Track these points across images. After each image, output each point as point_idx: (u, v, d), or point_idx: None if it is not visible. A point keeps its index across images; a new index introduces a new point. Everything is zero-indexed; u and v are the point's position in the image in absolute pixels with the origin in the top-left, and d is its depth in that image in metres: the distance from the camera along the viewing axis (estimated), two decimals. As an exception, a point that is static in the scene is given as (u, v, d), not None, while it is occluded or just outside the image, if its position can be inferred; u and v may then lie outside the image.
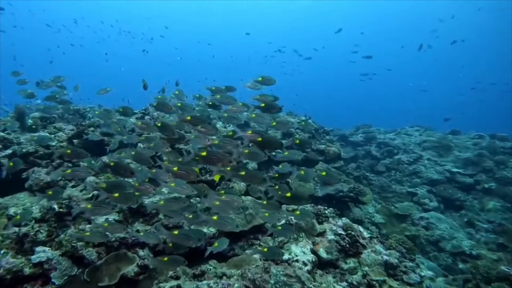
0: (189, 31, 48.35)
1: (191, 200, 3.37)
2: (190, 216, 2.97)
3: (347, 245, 3.88)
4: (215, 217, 2.82)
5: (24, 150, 4.81)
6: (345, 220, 4.40)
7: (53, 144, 5.02)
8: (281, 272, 3.10)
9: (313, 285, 3.20)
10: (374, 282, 3.57)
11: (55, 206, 3.52)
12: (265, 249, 3.22)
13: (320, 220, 4.30)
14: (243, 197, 4.39)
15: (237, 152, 2.86)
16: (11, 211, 3.81)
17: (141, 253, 3.50)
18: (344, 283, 3.54)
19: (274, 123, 3.41)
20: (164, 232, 2.96)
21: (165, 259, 2.83)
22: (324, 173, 3.47)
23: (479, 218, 8.00)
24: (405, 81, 48.25)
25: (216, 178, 4.50)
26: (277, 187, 3.15)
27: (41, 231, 3.40)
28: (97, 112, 4.82)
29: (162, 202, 2.85)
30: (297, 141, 6.56)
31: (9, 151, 4.80)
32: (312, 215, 4.14)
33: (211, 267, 3.46)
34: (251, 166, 6.06)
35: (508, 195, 8.44)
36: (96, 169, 3.59)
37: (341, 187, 6.44)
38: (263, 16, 47.44)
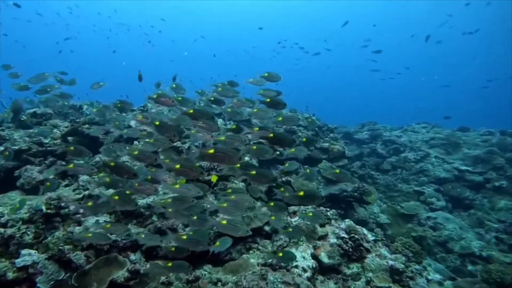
0: (193, 28, 48.14)
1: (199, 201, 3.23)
2: (196, 218, 2.82)
3: (350, 249, 3.66)
4: (224, 221, 2.68)
5: (16, 147, 4.66)
6: (348, 222, 4.18)
7: (47, 141, 4.86)
8: (278, 280, 2.91)
9: (313, 293, 3.01)
10: (378, 289, 3.36)
11: (43, 207, 3.36)
12: (280, 254, 3.03)
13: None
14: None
15: (245, 149, 2.69)
16: (-1, 210, 3.67)
17: (132, 257, 3.34)
18: (347, 290, 3.34)
19: (280, 118, 3.30)
20: (171, 237, 2.78)
21: (169, 264, 2.66)
22: (337, 171, 3.35)
23: (489, 217, 7.73)
24: (415, 76, 47.26)
25: (214, 179, 4.31)
26: (282, 188, 3.01)
27: (28, 232, 3.25)
28: (94, 110, 4.66)
29: (169, 201, 2.72)
30: (304, 139, 6.42)
31: (1, 148, 4.66)
32: (324, 217, 3.95)
33: (206, 272, 3.29)
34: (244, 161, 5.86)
35: (520, 194, 8.13)
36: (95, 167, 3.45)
37: (345, 187, 6.22)
38: (263, 15, 46.89)
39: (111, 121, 4.44)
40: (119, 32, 33.27)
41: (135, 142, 4.98)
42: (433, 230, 6.99)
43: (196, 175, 2.67)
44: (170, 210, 2.95)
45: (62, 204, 3.52)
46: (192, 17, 46.72)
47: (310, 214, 3.38)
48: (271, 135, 2.74)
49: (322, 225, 4.02)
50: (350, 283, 3.40)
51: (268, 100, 3.32)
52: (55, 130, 5.22)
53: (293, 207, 4.23)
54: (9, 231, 3.22)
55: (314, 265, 3.28)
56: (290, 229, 3.27)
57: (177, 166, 2.59)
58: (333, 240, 3.77)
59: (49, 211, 3.38)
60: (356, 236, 3.80)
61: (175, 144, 4.97)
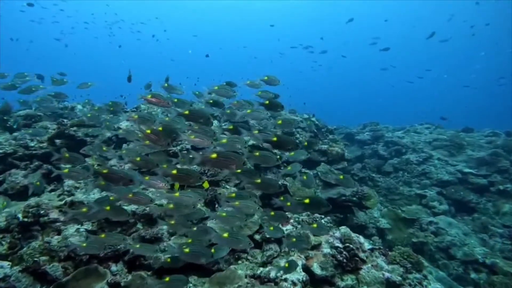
0: (192, 28, 48.02)
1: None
2: (195, 229, 2.74)
3: (345, 260, 3.46)
4: (226, 234, 2.53)
5: (1, 151, 4.52)
6: (344, 230, 3.98)
7: (32, 145, 4.71)
8: (265, 295, 2.72)
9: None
10: (373, 304, 3.17)
11: (19, 215, 3.21)
12: (294, 239, 2.95)
13: (315, 230, 3.90)
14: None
15: (247, 155, 2.57)
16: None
17: (113, 268, 3.17)
18: (340, 304, 3.15)
19: (279, 121, 3.20)
20: (174, 251, 2.65)
21: (167, 279, 2.51)
22: (341, 177, 3.24)
23: (493, 222, 7.48)
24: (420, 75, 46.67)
25: (205, 185, 4.13)
26: (282, 198, 2.92)
27: (2, 242, 3.09)
28: (89, 115, 4.55)
29: (171, 206, 2.64)
30: (305, 143, 6.32)
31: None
32: (328, 228, 3.77)
33: (191, 285, 3.11)
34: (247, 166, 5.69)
35: (526, 197, 7.87)
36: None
37: (343, 191, 6.01)
38: (261, 13, 46.57)
39: (103, 123, 4.36)
40: (120, 30, 33.23)
41: (124, 145, 4.81)
42: (435, 236, 6.77)
43: (194, 181, 2.53)
44: (172, 222, 2.87)
45: (42, 212, 3.36)
46: (192, 16, 46.68)
47: (315, 225, 3.28)
48: (275, 138, 2.61)
49: (315, 234, 3.82)
50: (344, 297, 3.21)
51: (267, 102, 3.25)
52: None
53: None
54: (-17, 240, 3.07)
55: (304, 279, 3.08)
56: (294, 239, 3.12)
57: (174, 171, 2.46)
58: (326, 250, 3.57)
59: (26, 219, 3.22)
60: (351, 246, 3.59)
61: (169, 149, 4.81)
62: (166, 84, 4.31)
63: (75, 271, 3.04)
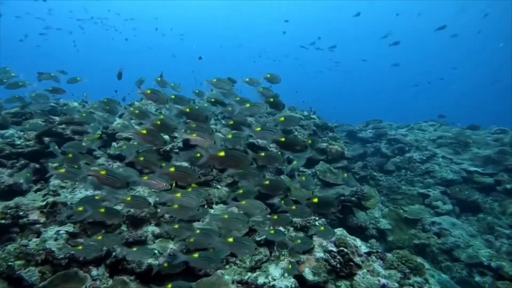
0: (193, 28, 47.82)
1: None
2: (198, 232, 2.64)
3: (338, 265, 3.27)
4: (231, 239, 2.40)
5: (-13, 150, 4.40)
6: (339, 232, 3.80)
7: (19, 143, 4.59)
8: (250, 303, 2.55)
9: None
10: (368, 312, 2.98)
11: (-4, 217, 3.07)
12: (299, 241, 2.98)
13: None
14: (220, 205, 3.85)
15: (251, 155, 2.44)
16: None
17: (94, 272, 3.02)
18: (332, 313, 2.97)
19: (282, 119, 3.12)
20: (182, 257, 2.53)
21: (169, 286, 2.38)
22: (346, 175, 3.33)
23: (499, 222, 7.22)
24: (430, 72, 45.76)
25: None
26: (283, 201, 2.86)
27: (-23, 246, 2.96)
28: (84, 115, 4.43)
29: (176, 206, 2.63)
30: (309, 142, 6.16)
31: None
32: (334, 232, 3.60)
33: (175, 290, 2.95)
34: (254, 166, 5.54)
35: (534, 197, 7.58)
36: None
37: (342, 190, 5.81)
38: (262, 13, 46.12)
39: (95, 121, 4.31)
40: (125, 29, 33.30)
41: (113, 143, 4.67)
42: (438, 237, 6.53)
43: (193, 180, 2.42)
44: (177, 226, 2.77)
45: (21, 213, 3.23)
46: (193, 15, 46.53)
47: (322, 228, 3.23)
48: (283, 139, 2.48)
49: (308, 237, 3.64)
50: (336, 304, 3.03)
51: (272, 100, 3.29)
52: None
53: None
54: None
55: (293, 285, 2.90)
56: (299, 241, 3.06)
57: (171, 169, 2.33)
58: (319, 254, 3.39)
59: (3, 221, 3.08)
60: (346, 250, 3.40)
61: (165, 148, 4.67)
62: (159, 79, 4.21)
63: (53, 276, 2.91)
